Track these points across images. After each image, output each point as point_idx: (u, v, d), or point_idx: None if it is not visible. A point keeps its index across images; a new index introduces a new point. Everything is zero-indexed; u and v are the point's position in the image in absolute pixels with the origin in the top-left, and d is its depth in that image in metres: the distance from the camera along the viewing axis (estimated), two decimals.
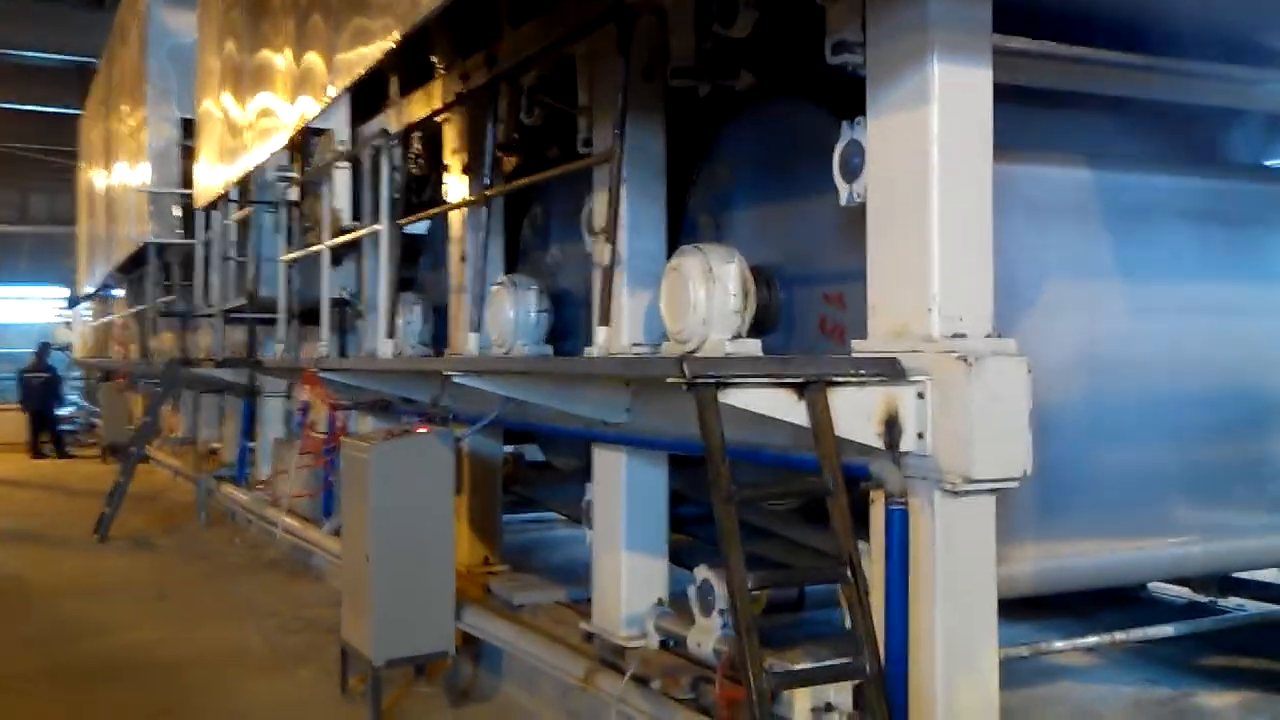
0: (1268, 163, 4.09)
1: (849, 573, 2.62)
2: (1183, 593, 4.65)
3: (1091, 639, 3.59)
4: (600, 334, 3.66)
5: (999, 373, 2.64)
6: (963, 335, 2.70)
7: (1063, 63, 3.10)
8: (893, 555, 2.68)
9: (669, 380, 2.66)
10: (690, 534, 4.51)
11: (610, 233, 3.66)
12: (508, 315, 4.72)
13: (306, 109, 5.61)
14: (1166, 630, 3.76)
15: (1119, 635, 3.65)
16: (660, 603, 4.00)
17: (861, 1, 2.85)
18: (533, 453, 7.06)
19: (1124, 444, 3.33)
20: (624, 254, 3.73)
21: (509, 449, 6.56)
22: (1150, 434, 3.37)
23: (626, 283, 3.89)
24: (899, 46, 2.70)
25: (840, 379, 2.73)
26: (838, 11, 2.92)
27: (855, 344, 2.92)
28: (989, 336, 2.74)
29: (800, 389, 2.73)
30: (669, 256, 3.68)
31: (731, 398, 2.68)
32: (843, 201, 2.99)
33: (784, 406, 2.72)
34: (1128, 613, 4.42)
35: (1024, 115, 3.21)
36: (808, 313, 3.59)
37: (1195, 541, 3.41)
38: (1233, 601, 4.47)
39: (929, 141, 2.64)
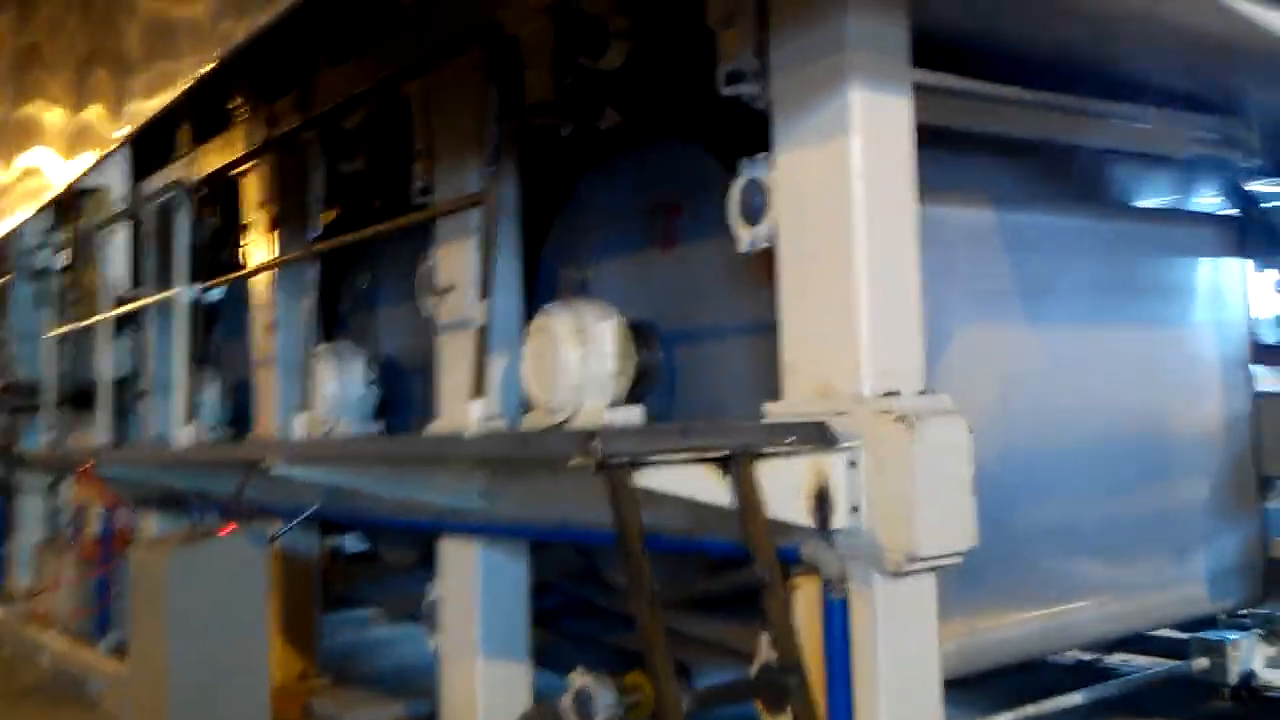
0: (1175, 206, 4.14)
1: (798, 682, 2.32)
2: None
3: (1009, 715, 3.43)
4: (475, 407, 3.27)
5: (940, 434, 2.43)
6: (896, 393, 2.49)
7: (970, 100, 2.99)
8: (835, 655, 2.40)
9: (573, 464, 2.31)
10: (553, 629, 4.15)
11: (485, 288, 3.29)
12: (330, 389, 4.27)
13: (79, 165, 5.00)
14: (1076, 699, 3.65)
15: (1030, 710, 3.52)
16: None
17: (758, 26, 2.64)
18: (353, 542, 6.49)
19: (1037, 502, 3.23)
20: (489, 314, 3.37)
21: (326, 540, 5.99)
22: (1062, 490, 3.30)
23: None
24: (810, 73, 2.50)
25: (768, 450, 2.45)
26: (731, 38, 2.70)
27: (770, 407, 2.66)
28: (923, 393, 2.53)
29: (724, 464, 2.43)
30: (527, 316, 3.39)
31: (649, 479, 2.36)
32: (742, 248, 2.75)
33: (706, 485, 2.43)
34: (1023, 679, 4.32)
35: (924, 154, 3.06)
36: (693, 372, 3.33)
37: (1113, 602, 3.32)
38: (1117, 658, 4.47)
39: (850, 177, 2.43)
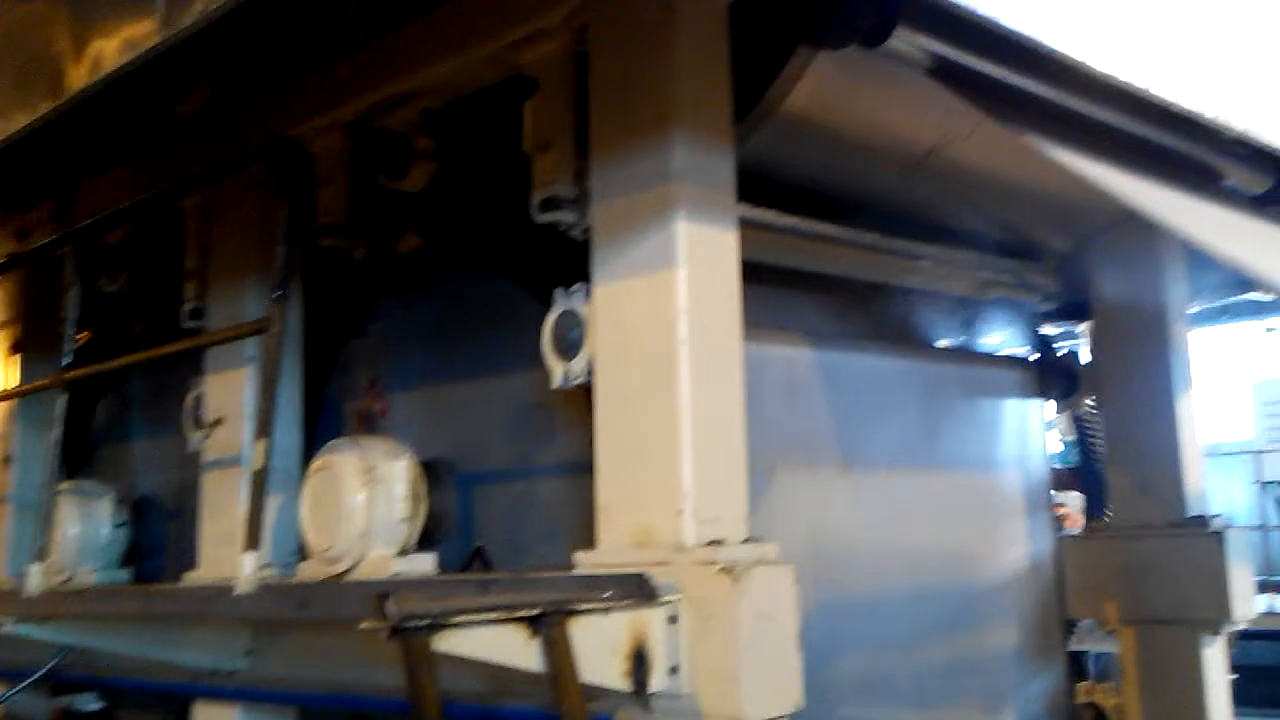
0: (980, 348, 4.30)
1: None
2: None
3: None
4: (248, 561, 2.98)
5: (767, 586, 2.35)
6: (720, 542, 2.40)
7: (786, 236, 3.03)
8: None
9: (365, 627, 2.10)
10: None
11: (264, 426, 3.05)
12: (72, 532, 3.91)
13: None
14: None
15: None
16: None
17: (577, 152, 2.59)
18: (90, 700, 5.85)
19: (849, 654, 3.20)
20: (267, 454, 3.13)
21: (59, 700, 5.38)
22: (874, 640, 3.27)
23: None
24: (634, 202, 2.45)
25: (582, 607, 2.30)
26: (548, 163, 2.64)
27: (582, 557, 2.53)
28: (748, 541, 2.45)
29: (534, 623, 2.27)
30: (306, 453, 3.20)
31: (450, 642, 2.16)
32: (556, 383, 2.65)
33: (514, 648, 2.25)
34: None
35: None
36: (494, 517, 3.17)
37: None
38: None
39: (675, 311, 2.38)
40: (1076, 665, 4.23)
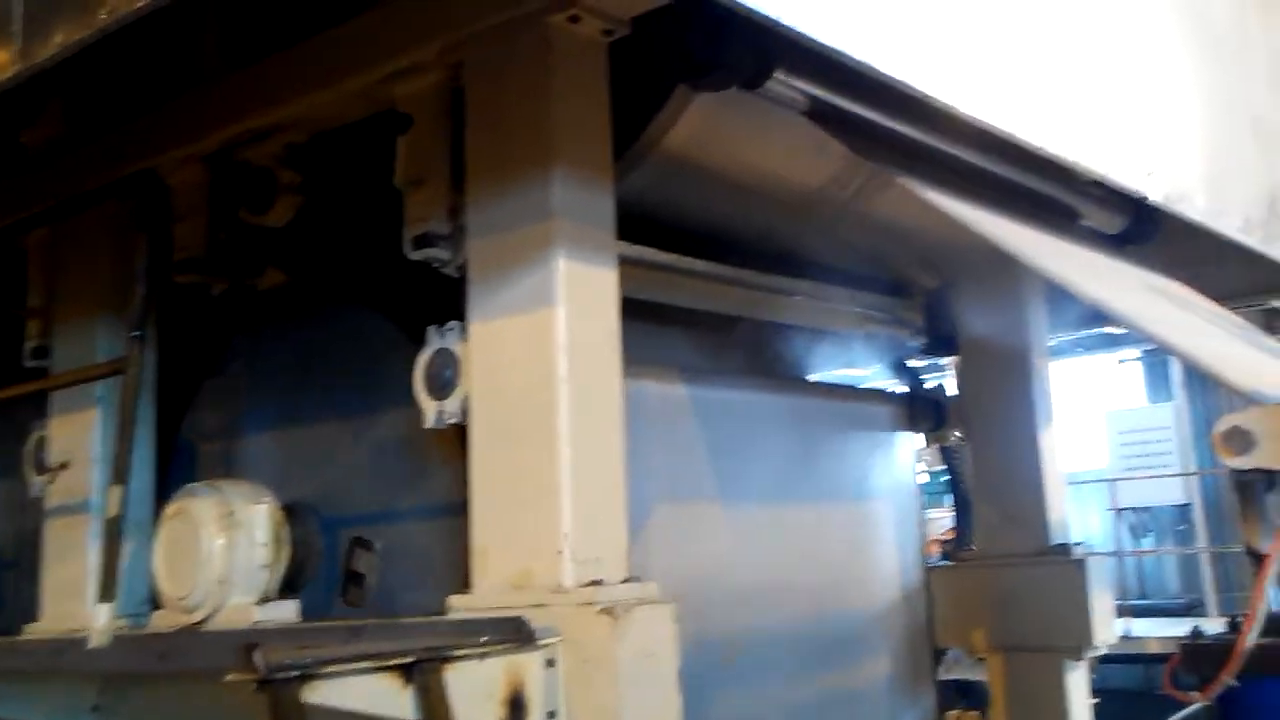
0: (854, 382, 4.40)
1: None
2: None
3: None
4: (102, 611, 2.86)
5: (647, 625, 2.36)
6: (600, 582, 2.40)
7: (654, 271, 3.07)
8: None
9: (231, 679, 2.04)
10: None
11: (120, 472, 2.94)
12: None
13: None
14: None
15: None
16: None
17: (452, 188, 2.59)
18: None
19: (726, 690, 3.23)
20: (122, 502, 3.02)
21: None
22: (750, 675, 3.31)
23: (99, 534, 3.15)
24: (512, 239, 2.45)
25: (457, 653, 2.28)
26: (421, 198, 2.63)
27: (456, 601, 2.50)
28: (628, 581, 2.46)
29: (407, 672, 2.23)
30: (160, 498, 3.09)
31: (320, 693, 2.12)
32: (429, 423, 2.62)
33: (387, 698, 2.21)
34: None
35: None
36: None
37: None
38: None
39: (554, 350, 2.38)
40: (945, 694, 4.35)
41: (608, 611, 2.30)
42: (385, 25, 2.64)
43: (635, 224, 3.00)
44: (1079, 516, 12.34)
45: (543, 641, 2.34)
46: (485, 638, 2.33)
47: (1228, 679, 2.22)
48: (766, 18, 2.02)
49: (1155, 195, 3.41)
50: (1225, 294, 4.29)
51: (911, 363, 4.53)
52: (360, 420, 3.17)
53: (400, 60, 2.61)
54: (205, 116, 3.06)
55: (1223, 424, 2.22)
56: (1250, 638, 2.11)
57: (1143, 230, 3.92)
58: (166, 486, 3.13)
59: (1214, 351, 2.73)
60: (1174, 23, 3.78)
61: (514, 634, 2.34)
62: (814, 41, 2.15)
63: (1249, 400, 2.48)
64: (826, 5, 2.21)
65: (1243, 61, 4.44)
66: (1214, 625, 9.84)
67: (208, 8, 3.09)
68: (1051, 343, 5.38)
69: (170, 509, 2.94)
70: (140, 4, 1.96)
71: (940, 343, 4.47)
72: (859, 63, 2.29)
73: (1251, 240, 4.02)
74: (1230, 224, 3.93)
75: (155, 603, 2.99)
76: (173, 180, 3.15)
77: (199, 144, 3.08)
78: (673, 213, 3.24)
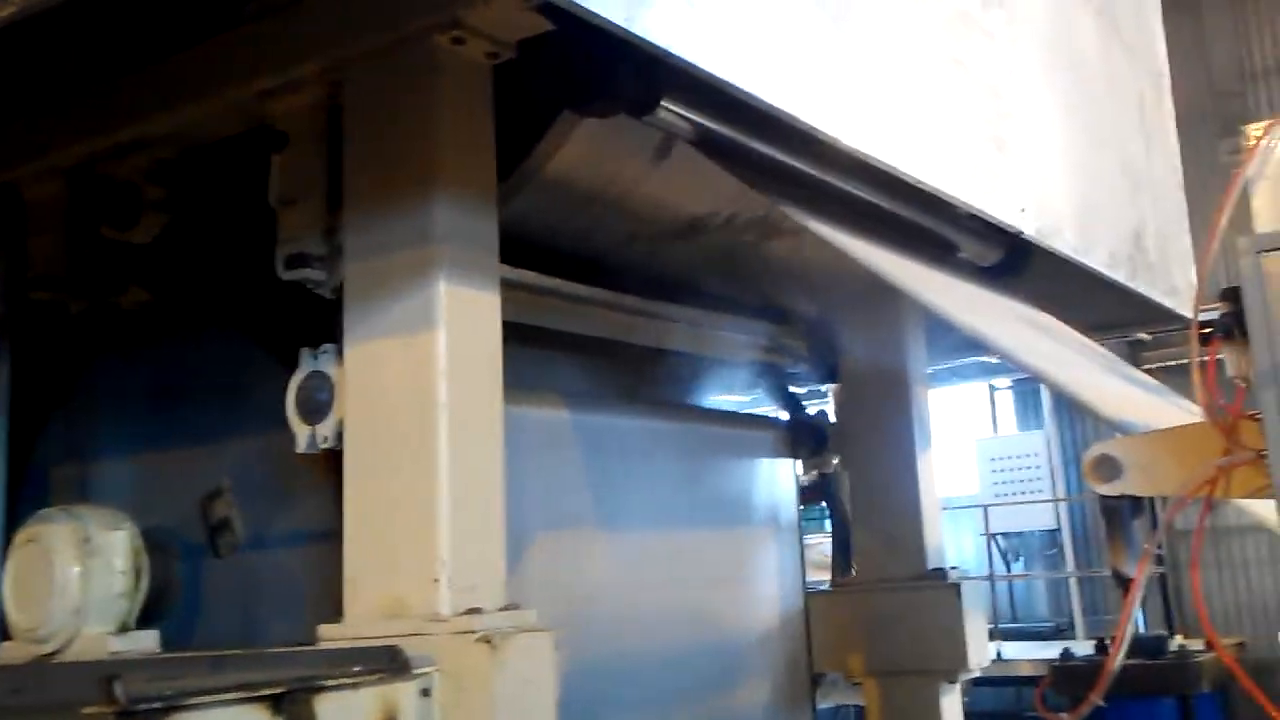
0: (736, 409, 4.45)
1: None
2: None
3: None
4: None
5: (526, 654, 2.36)
6: (478, 610, 2.39)
7: (537, 295, 3.08)
8: None
9: (89, 712, 1.98)
10: None
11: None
12: None
13: None
14: None
15: None
16: None
17: (328, 208, 2.57)
18: None
19: (607, 714, 3.24)
20: None
21: None
22: (632, 703, 3.33)
23: None
24: (392, 261, 2.44)
25: (328, 683, 2.25)
26: (294, 217, 2.60)
27: (327, 630, 2.47)
28: (506, 609, 2.46)
29: (275, 703, 2.19)
30: (8, 524, 3.02)
31: None
32: (301, 447, 2.58)
33: None
34: None
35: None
36: (226, 590, 3.05)
37: None
38: None
39: (435, 374, 2.37)
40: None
41: (485, 640, 2.30)
42: (262, 40, 2.60)
43: (520, 248, 3.01)
44: (953, 541, 12.68)
45: (418, 671, 2.32)
46: (358, 667, 2.31)
47: (1096, 699, 2.32)
48: (654, 46, 2.06)
49: (1028, 230, 3.56)
50: (1093, 326, 4.49)
51: (794, 389, 4.62)
52: (227, 444, 3.10)
53: (277, 76, 2.58)
54: (65, 130, 2.97)
55: (1092, 452, 2.32)
56: (1117, 659, 2.20)
57: (1016, 263, 4.08)
58: (17, 513, 3.02)
59: (1084, 383, 2.86)
60: (1048, 64, 3.96)
61: (388, 663, 2.31)
62: (700, 71, 2.20)
63: (1117, 430, 2.61)
64: (712, 36, 2.26)
65: (1112, 103, 4.67)
66: (1083, 647, 10.21)
67: (72, 19, 3.01)
68: (929, 371, 5.57)
69: (21, 535, 2.83)
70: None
71: (821, 370, 4.58)
72: (745, 93, 2.35)
73: (1118, 275, 4.22)
74: (1098, 259, 4.13)
75: (3, 633, 2.88)
76: (29, 195, 3.05)
77: (57, 156, 2.99)
78: (558, 237, 3.27)
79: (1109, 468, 2.27)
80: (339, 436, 2.52)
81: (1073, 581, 13.85)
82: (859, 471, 4.41)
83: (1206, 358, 2.12)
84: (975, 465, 14.02)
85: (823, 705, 4.53)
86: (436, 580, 2.37)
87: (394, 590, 2.42)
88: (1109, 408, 2.59)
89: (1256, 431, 2.01)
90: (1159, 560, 11.14)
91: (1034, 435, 14.40)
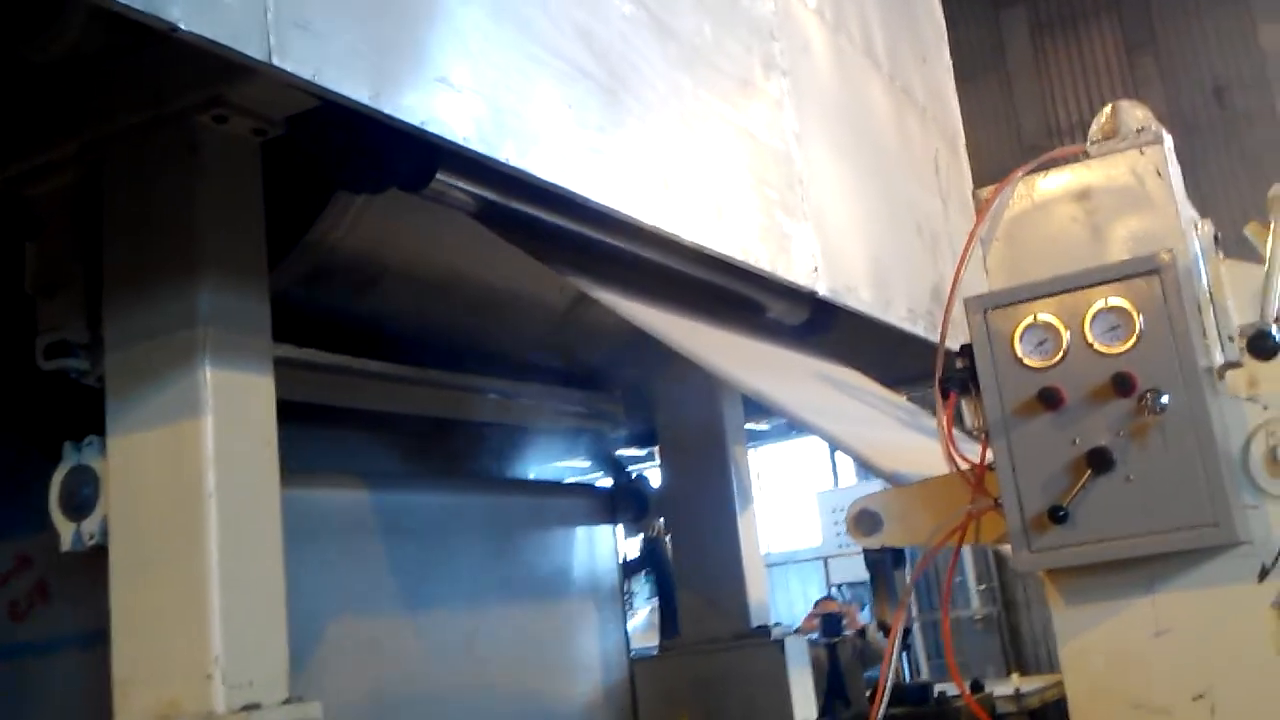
0: (553, 478, 4.36)
1: None
2: None
3: None
4: None
5: None
6: (256, 706, 2.26)
7: (328, 373, 2.98)
8: None
9: None
10: None
11: None
12: None
13: None
14: None
15: None
16: None
17: (89, 294, 2.43)
18: None
19: None
20: None
21: None
22: None
23: None
24: (154, 348, 2.32)
25: None
26: (56, 307, 2.46)
27: None
28: (288, 702, 2.33)
29: None
30: None
31: None
32: (66, 545, 2.43)
33: None
34: None
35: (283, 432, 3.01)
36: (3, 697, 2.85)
37: None
38: None
39: (202, 462, 2.26)
40: None
41: None
42: (18, 119, 2.47)
43: (319, 326, 2.92)
44: (801, 594, 12.75)
45: None
46: None
47: None
48: (403, 124, 2.01)
49: (821, 290, 3.61)
50: (899, 380, 4.56)
51: (619, 454, 4.58)
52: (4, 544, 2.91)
53: (34, 158, 2.45)
54: None
55: (853, 508, 2.34)
56: (880, 709, 2.19)
57: (824, 321, 4.13)
58: None
59: (863, 437, 2.88)
60: (836, 130, 4.05)
61: None
62: (460, 148, 2.16)
63: (891, 482, 2.62)
64: (473, 112, 2.23)
65: (907, 165, 4.81)
66: None
67: None
68: (764, 426, 5.58)
69: None
70: None
71: (642, 434, 4.55)
72: (512, 169, 2.32)
73: (916, 328, 4.31)
74: (896, 314, 4.21)
75: None
76: None
77: None
78: (354, 311, 3.17)
79: (869, 522, 2.29)
80: (105, 533, 2.37)
81: (916, 626, 14.02)
82: (680, 533, 4.38)
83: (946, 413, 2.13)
84: (818, 518, 14.17)
85: None
86: (209, 677, 2.23)
87: (167, 691, 2.27)
88: (885, 460, 2.62)
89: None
90: (996, 599, 11.40)
91: (873, 485, 14.61)
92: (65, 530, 2.40)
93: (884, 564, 2.76)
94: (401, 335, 3.32)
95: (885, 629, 2.69)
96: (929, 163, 5.08)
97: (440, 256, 3.22)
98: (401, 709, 3.09)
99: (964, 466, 2.16)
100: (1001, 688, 6.51)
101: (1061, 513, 1.96)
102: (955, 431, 2.22)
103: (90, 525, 2.38)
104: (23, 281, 2.49)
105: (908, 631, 2.78)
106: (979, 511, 2.13)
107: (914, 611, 14.13)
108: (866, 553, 2.67)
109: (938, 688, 4.13)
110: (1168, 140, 2.17)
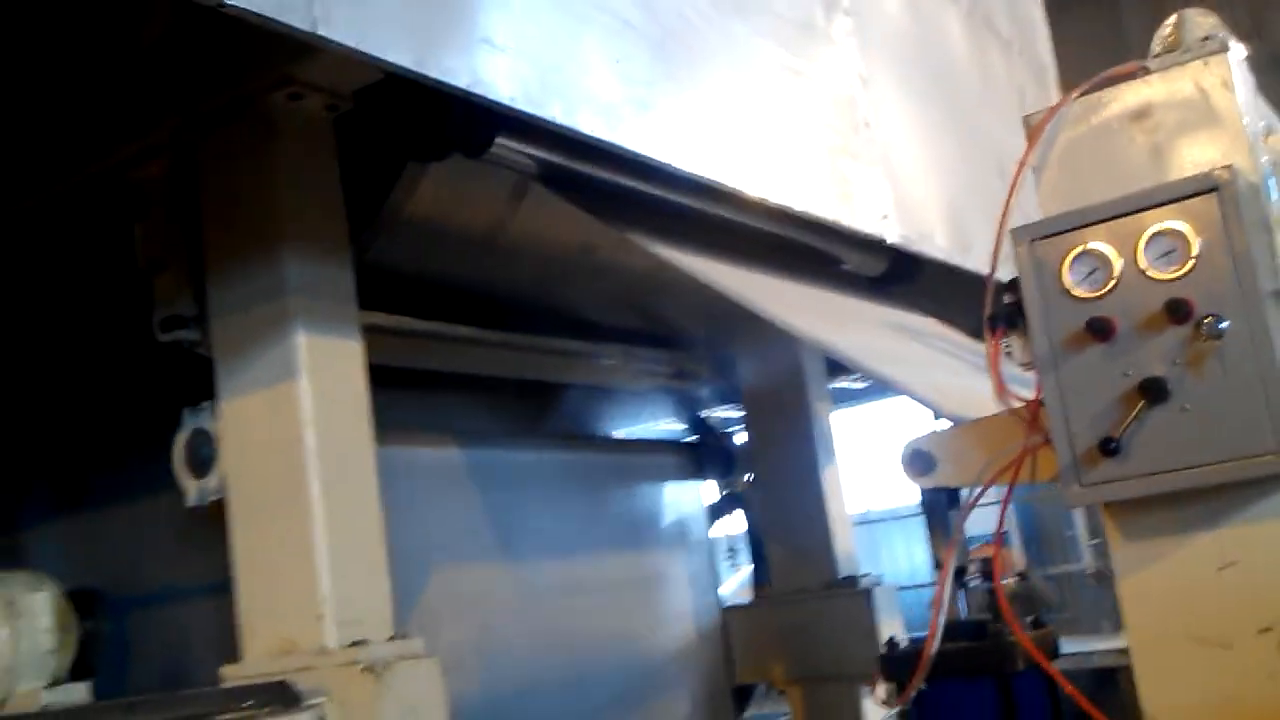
0: (641, 436, 4.50)
1: None
2: None
3: None
4: None
5: (411, 680, 2.44)
6: (364, 642, 2.47)
7: (422, 339, 3.16)
8: None
9: None
10: None
11: None
12: None
13: None
14: None
15: None
16: None
17: (193, 269, 2.65)
18: None
19: None
20: None
21: None
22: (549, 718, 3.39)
23: None
24: (253, 318, 2.53)
25: (226, 717, 2.32)
26: (166, 283, 2.68)
27: (228, 670, 2.55)
28: (393, 639, 2.54)
29: None
30: None
31: None
32: (191, 501, 2.67)
33: None
34: None
35: (383, 395, 3.20)
36: (148, 640, 3.13)
37: None
38: None
39: (300, 423, 2.46)
40: None
41: (370, 670, 2.37)
42: (118, 107, 2.66)
43: (408, 290, 3.07)
44: (905, 552, 12.74)
45: (308, 703, 2.40)
46: (249, 702, 2.39)
47: (919, 684, 2.35)
48: (450, 88, 2.12)
49: (891, 236, 3.63)
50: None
51: (701, 412, 4.71)
52: (140, 503, 3.19)
53: (134, 144, 2.66)
54: None
55: (906, 449, 2.32)
56: (934, 644, 2.25)
57: (907, 272, 4.13)
58: None
59: (928, 380, 2.95)
60: (906, 70, 4.01)
61: (279, 697, 2.39)
62: (510, 110, 2.27)
63: (956, 423, 2.69)
64: (518, 72, 2.30)
65: (987, 104, 4.71)
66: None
67: None
68: (860, 385, 5.61)
69: None
70: None
71: (727, 392, 4.66)
72: (568, 129, 2.43)
73: (998, 275, 4.30)
74: (976, 259, 4.20)
75: None
76: None
77: None
78: (441, 278, 3.33)
79: (923, 462, 2.28)
80: (224, 489, 2.61)
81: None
82: (767, 488, 4.49)
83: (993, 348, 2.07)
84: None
85: (757, 715, 4.58)
86: (320, 617, 2.44)
87: (284, 629, 2.50)
88: (950, 403, 2.65)
89: None
90: (1108, 553, 11.20)
91: None
92: (190, 488, 2.64)
93: (938, 504, 2.81)
94: (492, 297, 3.46)
95: (939, 566, 2.74)
96: (1014, 99, 4.94)
97: (518, 222, 3.34)
98: (497, 650, 3.27)
99: (1015, 404, 2.10)
100: (1111, 642, 6.46)
101: (1113, 445, 1.89)
102: (1014, 369, 2.17)
103: (210, 482, 2.61)
104: (134, 261, 2.71)
105: (963, 570, 2.81)
106: (1032, 447, 2.06)
107: (1024, 565, 14.01)
108: (922, 493, 2.71)
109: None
110: (1236, 48, 2.02)
